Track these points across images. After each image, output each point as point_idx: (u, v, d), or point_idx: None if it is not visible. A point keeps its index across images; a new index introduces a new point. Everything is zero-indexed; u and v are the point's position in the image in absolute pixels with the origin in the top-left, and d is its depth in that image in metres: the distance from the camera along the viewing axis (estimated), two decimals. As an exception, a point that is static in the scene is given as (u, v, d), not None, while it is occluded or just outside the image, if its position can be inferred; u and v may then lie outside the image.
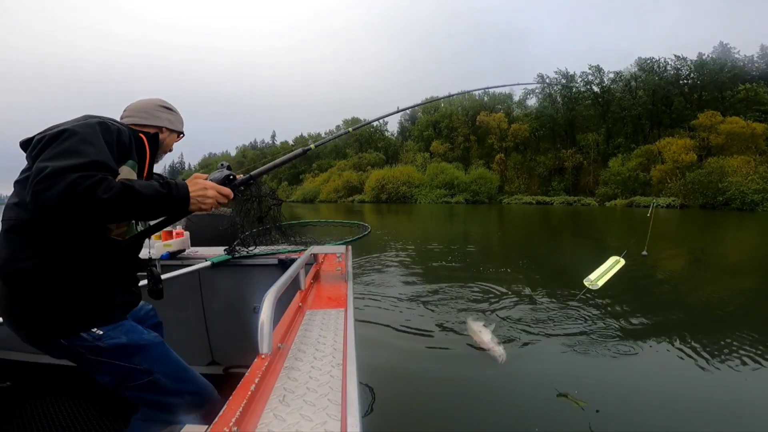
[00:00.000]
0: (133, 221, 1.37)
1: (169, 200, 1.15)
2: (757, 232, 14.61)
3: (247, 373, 0.79)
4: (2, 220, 1.19)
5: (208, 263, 2.12)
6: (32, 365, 2.19)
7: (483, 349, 3.17)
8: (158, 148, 1.44)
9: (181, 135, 1.57)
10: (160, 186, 1.15)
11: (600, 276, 3.53)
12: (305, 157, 75.81)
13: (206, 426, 0.65)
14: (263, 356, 0.87)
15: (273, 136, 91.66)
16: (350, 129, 2.45)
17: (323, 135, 78.76)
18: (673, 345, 3.33)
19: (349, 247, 2.15)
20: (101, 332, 1.21)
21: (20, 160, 1.20)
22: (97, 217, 1.06)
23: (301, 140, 79.67)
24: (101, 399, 2.03)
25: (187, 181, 1.24)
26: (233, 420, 0.63)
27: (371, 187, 52.72)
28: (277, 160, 1.64)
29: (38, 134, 1.17)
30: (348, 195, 56.21)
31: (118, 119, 1.39)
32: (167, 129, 1.46)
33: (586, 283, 3.53)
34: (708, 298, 5.14)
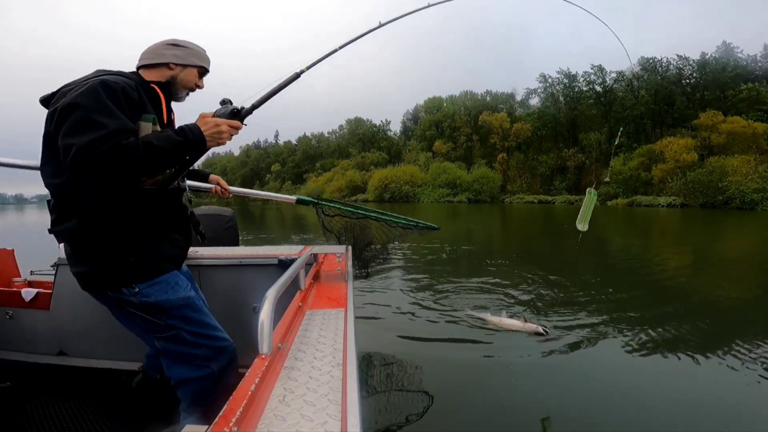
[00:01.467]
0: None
1: (187, 145, 1.25)
2: (757, 231, 14.93)
3: (247, 373, 0.80)
4: (45, 185, 1.32)
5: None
6: (32, 365, 2.24)
7: (519, 332, 3.39)
8: (171, 92, 1.48)
9: (202, 69, 1.54)
10: (176, 134, 1.24)
11: (585, 217, 3.48)
12: (308, 157, 75.31)
13: (206, 426, 0.67)
14: (263, 356, 0.87)
15: (276, 136, 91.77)
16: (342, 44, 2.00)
17: (326, 135, 79.21)
18: (674, 344, 3.33)
19: (350, 246, 2.16)
20: (137, 289, 1.33)
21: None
22: (127, 178, 1.18)
23: (304, 140, 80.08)
24: (101, 399, 2.07)
25: (197, 122, 1.31)
26: (233, 420, 0.64)
27: (374, 187, 53.15)
28: (273, 88, 1.62)
29: (53, 99, 1.25)
30: (351, 194, 56.63)
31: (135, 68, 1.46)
32: (175, 65, 1.45)
33: (578, 227, 3.48)
34: (707, 295, 5.20)
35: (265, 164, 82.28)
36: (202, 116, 1.34)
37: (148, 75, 1.43)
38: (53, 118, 1.18)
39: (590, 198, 3.18)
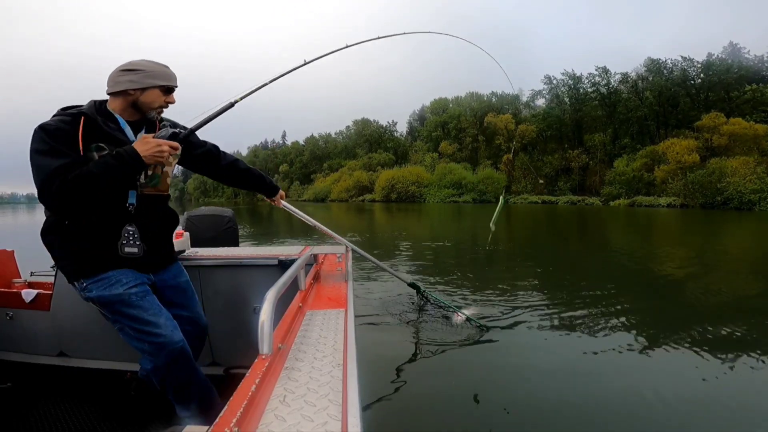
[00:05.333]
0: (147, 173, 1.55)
1: (124, 166, 1.38)
2: (756, 230, 15.28)
3: (247, 374, 0.81)
4: None
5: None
6: (32, 366, 2.23)
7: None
8: (137, 113, 1.54)
9: (164, 87, 1.54)
10: (113, 158, 1.37)
11: (496, 219, 3.92)
12: (316, 157, 75.35)
13: (207, 427, 0.66)
14: (263, 357, 0.88)
15: (283, 136, 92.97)
16: (347, 45, 2.43)
17: (333, 135, 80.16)
18: (673, 342, 3.33)
19: (350, 247, 2.19)
20: (84, 284, 1.48)
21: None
22: (83, 203, 1.38)
23: (311, 140, 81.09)
24: (102, 399, 2.07)
25: (136, 143, 1.42)
26: (234, 420, 0.64)
27: (381, 187, 53.98)
28: (209, 115, 1.70)
29: None
30: (358, 194, 57.52)
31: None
32: (133, 90, 1.49)
33: (492, 227, 3.91)
34: (706, 294, 5.22)
35: (273, 164, 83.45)
36: (144, 138, 1.45)
37: (112, 102, 1.52)
38: None
39: (501, 205, 3.78)
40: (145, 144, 1.42)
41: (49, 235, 1.49)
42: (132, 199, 1.54)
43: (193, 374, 1.58)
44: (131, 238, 1.54)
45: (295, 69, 1.89)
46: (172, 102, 1.60)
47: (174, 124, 1.64)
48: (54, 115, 1.45)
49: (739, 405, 2.42)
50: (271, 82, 1.90)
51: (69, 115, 1.43)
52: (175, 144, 1.50)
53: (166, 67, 1.57)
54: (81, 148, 1.39)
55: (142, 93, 1.51)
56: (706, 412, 2.36)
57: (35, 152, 1.34)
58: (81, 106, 1.50)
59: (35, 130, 1.37)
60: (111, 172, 1.37)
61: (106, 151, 1.42)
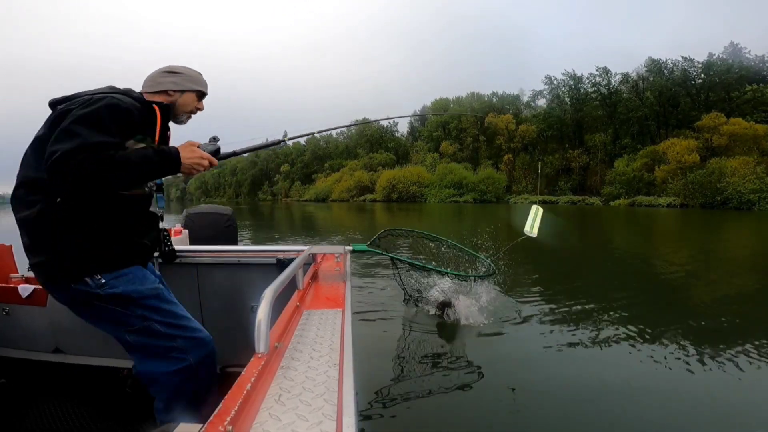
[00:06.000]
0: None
1: (162, 165, 1.32)
2: (755, 229, 15.42)
3: (243, 372, 0.80)
4: (17, 176, 1.34)
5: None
6: (28, 362, 2.19)
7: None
8: (170, 114, 1.54)
9: (199, 93, 1.60)
10: (155, 153, 1.30)
11: (532, 225, 3.91)
12: (317, 157, 75.53)
13: (201, 425, 0.64)
14: (260, 355, 0.87)
15: (285, 137, 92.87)
16: (316, 132, 2.45)
17: (334, 135, 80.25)
18: (673, 341, 3.32)
19: (348, 247, 2.20)
20: (102, 280, 1.31)
21: (20, 161, 1.35)
22: (102, 188, 1.25)
23: (312, 140, 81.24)
24: (97, 396, 2.06)
25: (181, 147, 1.39)
26: (228, 419, 0.63)
27: (382, 187, 54.16)
28: (255, 145, 1.79)
29: (62, 104, 1.34)
30: (359, 194, 57.66)
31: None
32: (173, 91, 1.52)
33: (526, 232, 3.89)
34: (705, 293, 5.23)
35: (275, 165, 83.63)
36: (190, 144, 1.44)
37: (150, 98, 1.51)
38: (53, 121, 1.29)
39: (536, 212, 3.80)
40: (190, 151, 1.39)
41: (49, 224, 1.27)
42: (161, 203, 1.57)
43: (214, 377, 1.52)
44: (167, 240, 1.59)
45: (276, 144, 1.98)
46: (202, 109, 1.64)
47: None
48: (116, 92, 1.38)
49: (739, 405, 2.43)
50: (254, 149, 1.92)
51: (139, 101, 1.40)
52: (215, 161, 1.48)
53: (201, 74, 1.63)
54: (137, 135, 1.35)
55: (181, 95, 1.54)
56: (706, 413, 2.35)
57: (84, 119, 1.22)
58: (131, 90, 1.47)
59: (99, 103, 1.27)
60: (149, 167, 1.30)
61: (143, 145, 1.36)
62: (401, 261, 3.40)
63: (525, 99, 60.49)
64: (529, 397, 2.51)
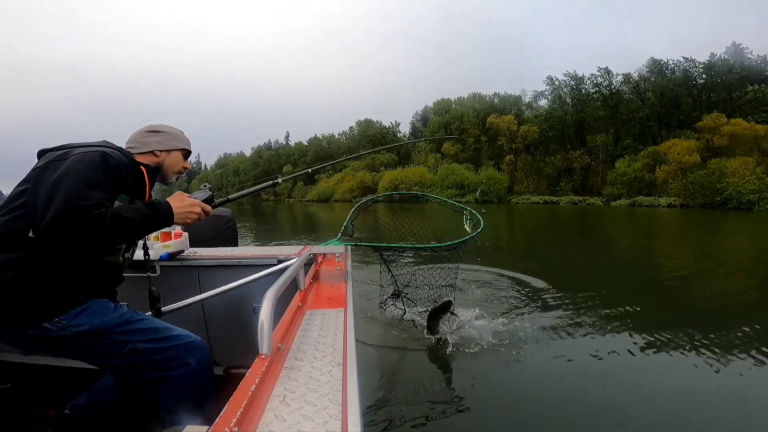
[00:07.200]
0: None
1: (155, 218, 1.28)
2: (755, 230, 15.52)
3: (247, 374, 0.81)
4: None
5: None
6: (32, 367, 2.16)
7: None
8: (156, 177, 1.51)
9: (185, 151, 1.57)
10: (146, 207, 1.27)
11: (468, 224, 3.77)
12: (320, 158, 75.24)
13: (207, 427, 0.65)
14: (263, 356, 0.88)
15: (287, 137, 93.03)
16: (310, 169, 2.72)
17: (336, 136, 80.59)
18: (673, 341, 3.34)
19: (348, 246, 2.20)
20: (64, 321, 1.25)
21: (19, 162, 1.60)
22: (93, 246, 1.20)
23: (314, 141, 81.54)
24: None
25: (171, 198, 1.36)
26: (234, 420, 0.64)
27: (384, 187, 54.11)
28: (248, 190, 1.83)
29: (49, 153, 1.29)
30: (362, 195, 57.59)
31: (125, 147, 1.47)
32: (160, 151, 1.49)
33: (466, 226, 3.76)
34: (705, 290, 5.30)
35: (277, 165, 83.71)
36: (179, 195, 1.39)
37: (138, 159, 1.47)
38: (42, 171, 1.22)
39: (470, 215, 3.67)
40: (179, 201, 1.37)
41: (11, 270, 1.19)
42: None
43: (213, 376, 1.51)
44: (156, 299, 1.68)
45: (267, 186, 2.04)
46: (188, 168, 1.63)
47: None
48: (108, 147, 1.37)
49: (739, 404, 2.45)
50: (249, 194, 2.00)
51: (130, 161, 1.39)
52: (208, 208, 1.46)
53: (183, 132, 1.61)
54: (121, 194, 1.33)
55: (168, 155, 1.53)
56: (707, 412, 2.37)
57: (78, 175, 1.20)
58: (119, 147, 1.44)
59: (94, 154, 1.27)
60: (143, 221, 1.26)
61: (131, 201, 1.35)
62: (379, 247, 3.42)
63: (526, 99, 60.51)
64: (530, 396, 2.54)
